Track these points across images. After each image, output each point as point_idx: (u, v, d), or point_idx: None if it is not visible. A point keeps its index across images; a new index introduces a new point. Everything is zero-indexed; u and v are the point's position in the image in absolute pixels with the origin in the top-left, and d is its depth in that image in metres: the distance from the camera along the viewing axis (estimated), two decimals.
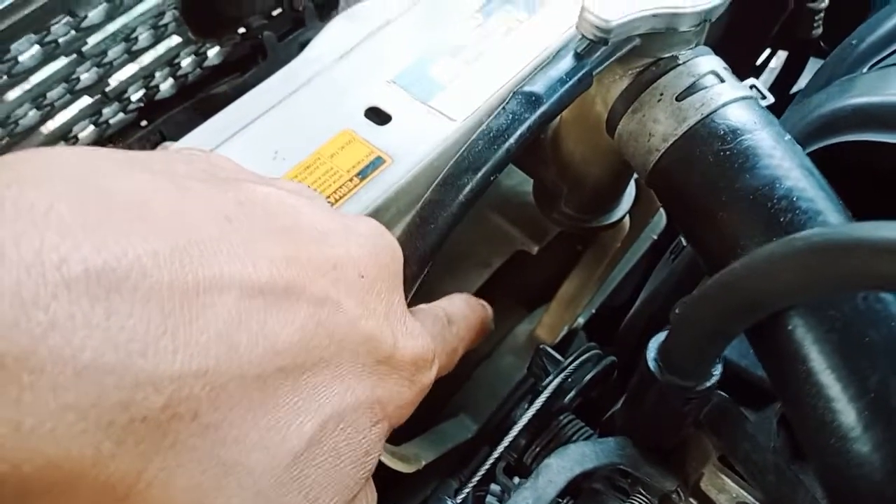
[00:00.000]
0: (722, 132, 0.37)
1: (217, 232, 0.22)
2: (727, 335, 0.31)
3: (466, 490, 0.44)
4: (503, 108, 0.36)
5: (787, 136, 0.38)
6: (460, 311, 0.37)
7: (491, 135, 0.35)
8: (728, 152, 0.36)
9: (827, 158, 0.41)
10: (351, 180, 0.43)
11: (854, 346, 0.32)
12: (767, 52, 0.93)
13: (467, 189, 0.35)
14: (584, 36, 0.36)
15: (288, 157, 0.44)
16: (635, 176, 0.55)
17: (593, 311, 0.74)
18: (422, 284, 0.51)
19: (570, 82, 0.36)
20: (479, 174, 0.34)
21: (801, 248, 0.27)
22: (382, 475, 0.53)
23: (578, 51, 0.36)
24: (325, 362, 0.24)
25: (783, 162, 0.36)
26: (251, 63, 0.76)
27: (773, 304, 0.30)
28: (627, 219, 0.58)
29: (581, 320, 0.74)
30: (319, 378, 0.24)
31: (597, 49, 0.36)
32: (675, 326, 0.33)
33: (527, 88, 0.36)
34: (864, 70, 0.50)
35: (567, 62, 0.36)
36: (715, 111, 0.37)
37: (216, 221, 0.22)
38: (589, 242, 0.64)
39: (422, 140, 0.44)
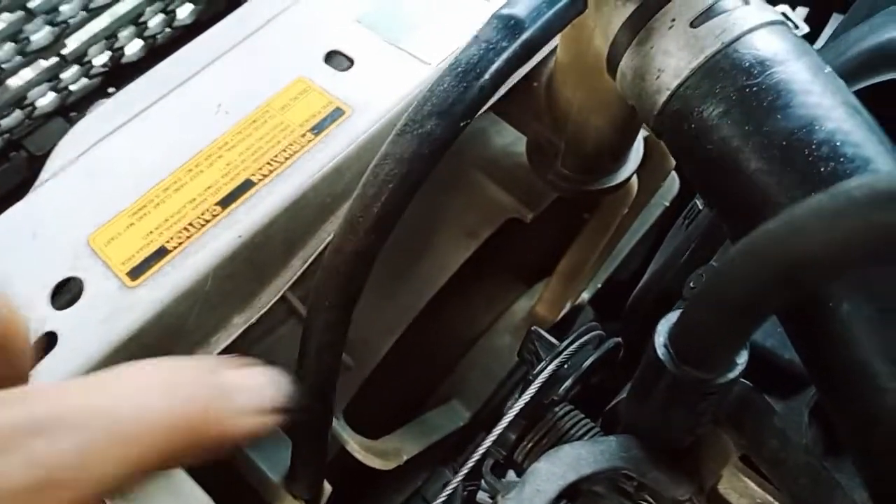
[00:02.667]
0: (747, 64, 0.30)
1: None
2: (757, 315, 0.25)
3: (447, 492, 0.38)
4: (476, 35, 0.29)
5: (828, 69, 0.31)
6: None
7: (460, 69, 0.28)
8: (755, 88, 0.30)
9: (871, 100, 0.34)
10: (304, 136, 0.36)
11: None
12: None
13: (432, 138, 0.28)
14: None
15: (232, 111, 0.38)
16: (644, 131, 0.48)
17: (599, 285, 0.67)
18: (394, 260, 0.44)
19: (560, 3, 0.29)
20: (447, 119, 0.28)
21: (860, 199, 0.21)
22: (364, 468, 0.48)
23: None
24: None
25: (823, 99, 0.30)
26: None
27: (821, 274, 0.23)
28: (635, 180, 0.51)
29: (586, 296, 0.68)
30: None
31: None
32: (690, 305, 0.27)
33: (505, 11, 0.29)
34: None
35: None
36: (738, 39, 0.31)
37: None
38: (593, 208, 0.57)
39: (388, 88, 0.37)
